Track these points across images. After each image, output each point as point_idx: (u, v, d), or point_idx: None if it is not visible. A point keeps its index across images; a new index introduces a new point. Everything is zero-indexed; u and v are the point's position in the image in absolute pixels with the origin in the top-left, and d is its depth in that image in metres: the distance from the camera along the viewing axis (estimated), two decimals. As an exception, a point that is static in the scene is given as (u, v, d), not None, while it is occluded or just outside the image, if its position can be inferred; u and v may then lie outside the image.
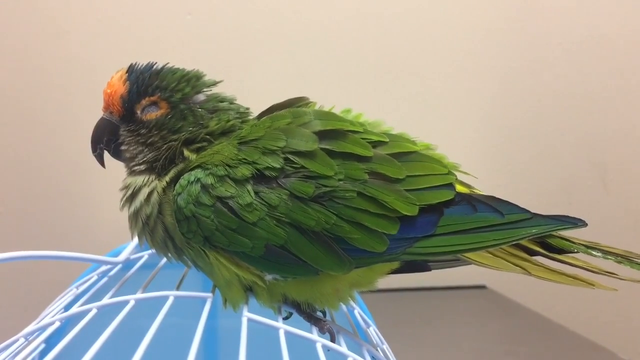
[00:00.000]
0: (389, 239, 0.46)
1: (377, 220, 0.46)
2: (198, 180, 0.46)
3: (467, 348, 1.06)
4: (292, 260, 0.45)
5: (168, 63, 0.53)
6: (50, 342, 0.45)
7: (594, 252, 0.49)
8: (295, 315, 0.51)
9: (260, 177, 0.45)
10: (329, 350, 0.43)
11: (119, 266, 0.62)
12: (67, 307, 0.55)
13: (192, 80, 0.53)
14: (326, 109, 0.54)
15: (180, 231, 0.46)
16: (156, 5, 1.28)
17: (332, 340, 0.47)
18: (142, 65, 0.52)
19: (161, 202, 0.48)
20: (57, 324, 0.46)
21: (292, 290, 0.48)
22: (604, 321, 1.39)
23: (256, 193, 0.45)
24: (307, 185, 0.45)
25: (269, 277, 0.47)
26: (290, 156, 0.46)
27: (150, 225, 0.49)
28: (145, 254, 0.64)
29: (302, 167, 0.45)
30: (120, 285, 0.54)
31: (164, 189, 0.49)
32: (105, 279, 0.59)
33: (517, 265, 0.49)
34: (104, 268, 0.63)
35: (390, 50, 1.36)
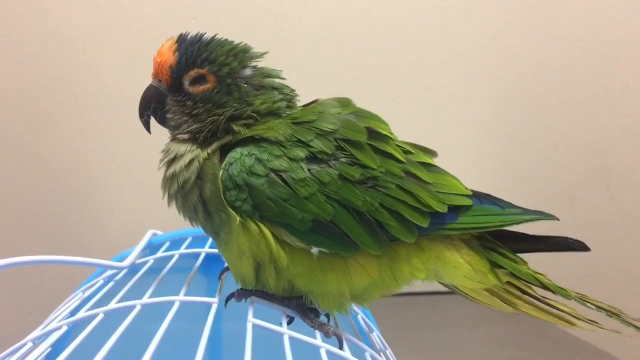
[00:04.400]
0: (418, 230, 0.50)
1: (413, 213, 0.50)
2: (252, 154, 0.48)
3: (470, 353, 1.06)
4: (337, 235, 0.48)
5: (217, 34, 0.55)
6: (57, 347, 0.46)
7: (587, 304, 0.55)
8: (299, 320, 0.51)
9: (312, 157, 0.48)
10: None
11: (125, 271, 0.62)
12: (74, 312, 0.55)
13: (240, 55, 0.54)
14: None
15: (228, 199, 0.48)
16: (161, 10, 1.28)
17: (340, 345, 0.48)
18: (192, 36, 0.54)
19: (201, 170, 0.50)
20: (64, 328, 0.46)
21: (299, 278, 0.49)
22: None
23: (309, 170, 0.47)
24: (354, 169, 0.48)
25: (314, 250, 0.48)
26: (341, 143, 0.49)
27: (186, 189, 0.51)
28: (151, 259, 0.65)
29: (351, 154, 0.49)
30: (127, 290, 0.55)
31: (205, 159, 0.50)
32: (111, 284, 0.60)
33: (509, 304, 0.58)
34: (109, 272, 0.63)
35: (393, 53, 1.36)
